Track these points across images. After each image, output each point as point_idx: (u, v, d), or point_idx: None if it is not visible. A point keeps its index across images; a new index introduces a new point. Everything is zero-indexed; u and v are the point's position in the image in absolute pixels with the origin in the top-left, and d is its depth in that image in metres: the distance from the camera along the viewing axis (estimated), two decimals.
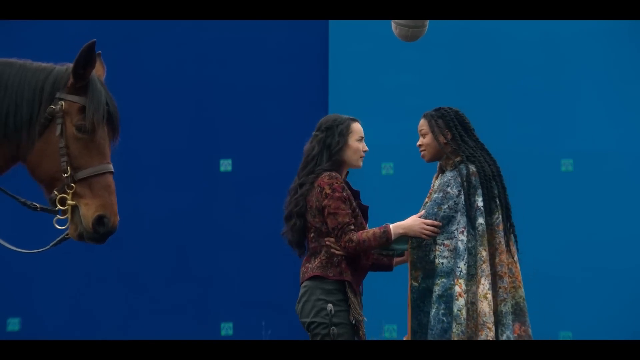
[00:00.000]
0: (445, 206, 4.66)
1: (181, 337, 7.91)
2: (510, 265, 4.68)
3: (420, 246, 4.66)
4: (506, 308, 4.60)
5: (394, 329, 8.09)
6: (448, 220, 4.66)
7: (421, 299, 4.62)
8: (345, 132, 4.79)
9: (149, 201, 8.45)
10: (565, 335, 8.21)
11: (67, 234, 3.73)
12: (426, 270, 4.63)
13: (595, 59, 8.47)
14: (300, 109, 8.53)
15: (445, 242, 4.63)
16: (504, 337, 4.55)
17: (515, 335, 4.58)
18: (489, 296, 4.55)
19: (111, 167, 3.71)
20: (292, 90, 8.61)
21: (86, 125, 3.66)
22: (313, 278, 4.67)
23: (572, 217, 8.30)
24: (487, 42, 8.48)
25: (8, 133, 3.68)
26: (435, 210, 4.67)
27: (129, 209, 8.41)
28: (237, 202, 8.53)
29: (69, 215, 3.66)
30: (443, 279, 4.57)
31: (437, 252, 4.61)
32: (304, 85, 8.64)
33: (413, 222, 4.66)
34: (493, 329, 4.53)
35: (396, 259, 4.90)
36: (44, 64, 3.78)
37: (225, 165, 8.60)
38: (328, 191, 4.65)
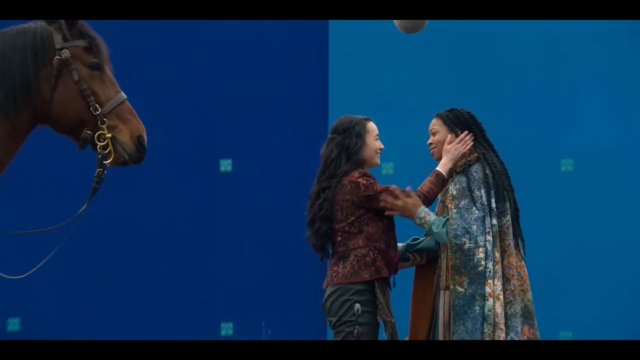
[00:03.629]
0: (474, 208, 4.63)
1: (181, 337, 7.90)
2: (519, 269, 4.66)
3: (462, 250, 4.59)
4: (512, 310, 4.58)
5: None
6: (482, 220, 4.64)
7: (468, 305, 4.55)
8: (362, 133, 4.83)
9: (149, 201, 8.44)
10: (565, 335, 8.20)
11: (109, 164, 3.87)
12: (471, 275, 4.57)
13: (595, 59, 8.46)
14: (300, 109, 8.52)
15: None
16: (509, 339, 4.53)
17: (525, 337, 4.56)
18: (501, 297, 4.54)
19: (124, 94, 3.95)
20: (292, 90, 8.60)
21: (99, 62, 3.89)
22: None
23: (572, 217, 8.29)
24: (487, 42, 8.47)
25: (18, 109, 3.78)
26: (467, 215, 4.63)
27: (129, 208, 8.47)
28: (237, 202, 8.52)
29: (110, 148, 3.85)
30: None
31: (481, 255, 4.59)
32: (304, 85, 8.63)
33: (447, 151, 4.77)
34: (504, 329, 4.52)
35: (401, 263, 4.86)
36: (16, 28, 3.91)
37: (225, 165, 8.60)
38: (364, 182, 4.70)
